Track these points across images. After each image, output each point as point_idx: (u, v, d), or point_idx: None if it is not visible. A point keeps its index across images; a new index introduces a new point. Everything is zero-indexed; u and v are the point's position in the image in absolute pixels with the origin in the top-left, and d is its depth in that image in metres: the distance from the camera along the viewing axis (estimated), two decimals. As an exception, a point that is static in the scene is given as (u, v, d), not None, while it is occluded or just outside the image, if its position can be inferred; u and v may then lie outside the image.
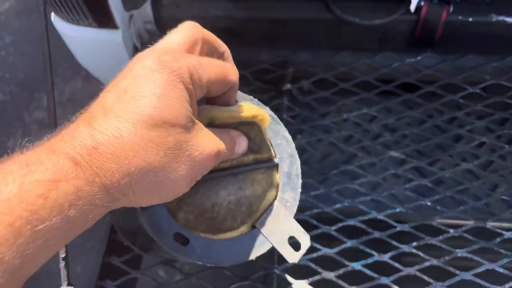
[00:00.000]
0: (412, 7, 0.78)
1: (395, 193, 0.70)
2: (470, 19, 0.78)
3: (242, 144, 0.41)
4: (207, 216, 0.41)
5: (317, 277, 0.59)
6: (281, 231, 0.44)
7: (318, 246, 0.61)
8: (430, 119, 0.77)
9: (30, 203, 0.27)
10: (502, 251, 0.62)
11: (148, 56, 0.34)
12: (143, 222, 0.39)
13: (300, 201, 0.65)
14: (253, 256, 0.43)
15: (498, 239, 0.63)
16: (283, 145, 0.46)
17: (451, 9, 0.77)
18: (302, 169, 0.59)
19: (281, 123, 0.47)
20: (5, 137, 1.64)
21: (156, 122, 0.32)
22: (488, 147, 0.77)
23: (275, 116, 0.46)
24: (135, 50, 0.80)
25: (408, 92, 0.78)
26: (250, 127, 0.43)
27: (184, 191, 0.36)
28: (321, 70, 0.79)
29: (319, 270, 0.59)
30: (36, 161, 0.29)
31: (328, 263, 0.60)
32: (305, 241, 0.44)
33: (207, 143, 0.36)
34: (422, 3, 0.77)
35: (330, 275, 0.59)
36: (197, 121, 0.36)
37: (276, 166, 0.46)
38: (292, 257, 0.44)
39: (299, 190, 0.46)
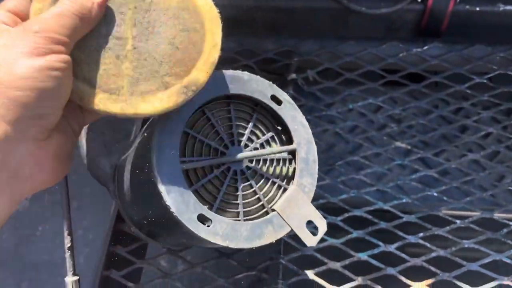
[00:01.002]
0: (419, -4, 0.77)
1: (401, 184, 0.69)
2: (477, 9, 0.78)
3: None
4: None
5: (323, 268, 0.59)
6: (300, 215, 0.44)
7: (324, 237, 0.61)
8: (436, 110, 0.77)
9: None
10: (510, 241, 0.61)
11: None
12: (168, 203, 0.39)
13: (306, 191, 0.65)
14: (273, 238, 0.43)
15: (505, 230, 0.63)
16: (300, 131, 0.47)
17: (459, -1, 0.76)
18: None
19: (298, 109, 0.47)
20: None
21: None
22: (494, 138, 0.76)
23: (292, 101, 0.47)
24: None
25: (414, 82, 0.78)
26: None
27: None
28: (326, 60, 0.78)
29: (325, 260, 0.59)
30: None
31: (334, 253, 0.60)
32: (322, 225, 0.45)
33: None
34: (430, -7, 0.77)
35: (336, 265, 0.59)
36: None
37: (294, 152, 0.46)
38: (311, 241, 0.44)
39: (316, 175, 0.47)
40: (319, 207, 0.63)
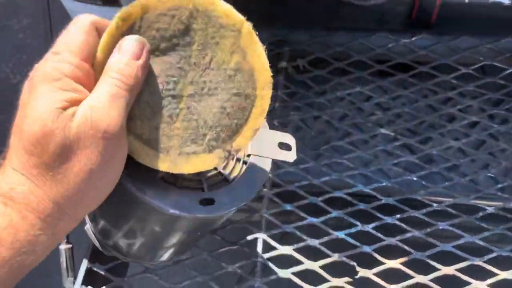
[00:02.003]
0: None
1: (383, 169, 0.72)
2: (466, 1, 0.79)
3: (127, 49, 0.36)
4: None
5: (302, 244, 0.62)
6: (269, 143, 0.46)
7: (305, 215, 0.64)
8: (423, 99, 0.79)
9: None
10: (484, 225, 0.64)
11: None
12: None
13: (289, 173, 0.69)
14: (265, 179, 0.45)
15: (480, 214, 0.65)
16: None
17: (447, -10, 0.78)
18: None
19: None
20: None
21: (32, 143, 0.33)
22: (480, 127, 0.78)
23: None
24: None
25: (402, 72, 0.80)
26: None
27: (115, 171, 0.36)
28: (317, 49, 0.81)
29: (304, 237, 0.62)
30: None
31: (313, 231, 0.63)
32: (291, 139, 0.47)
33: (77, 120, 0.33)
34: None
35: (314, 242, 0.62)
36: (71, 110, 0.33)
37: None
38: (291, 156, 0.46)
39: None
40: (301, 188, 0.67)
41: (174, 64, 0.38)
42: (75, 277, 0.58)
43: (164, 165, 0.39)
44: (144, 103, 0.38)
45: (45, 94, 0.33)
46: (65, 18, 0.84)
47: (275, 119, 0.75)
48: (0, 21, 1.94)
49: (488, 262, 0.60)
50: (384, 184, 0.69)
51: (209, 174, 0.45)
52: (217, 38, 0.39)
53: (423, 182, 0.70)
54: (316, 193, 0.66)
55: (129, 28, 0.37)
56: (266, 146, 0.46)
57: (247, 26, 0.39)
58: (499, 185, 0.70)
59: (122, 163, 0.37)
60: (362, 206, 0.65)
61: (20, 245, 0.32)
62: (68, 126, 0.33)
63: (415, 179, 0.70)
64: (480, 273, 0.60)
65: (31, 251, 0.33)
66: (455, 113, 0.78)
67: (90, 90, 0.35)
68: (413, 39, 0.80)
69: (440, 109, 0.79)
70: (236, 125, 0.40)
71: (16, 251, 0.32)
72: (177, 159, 0.39)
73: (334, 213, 0.65)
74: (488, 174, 0.72)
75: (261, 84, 0.41)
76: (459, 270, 0.60)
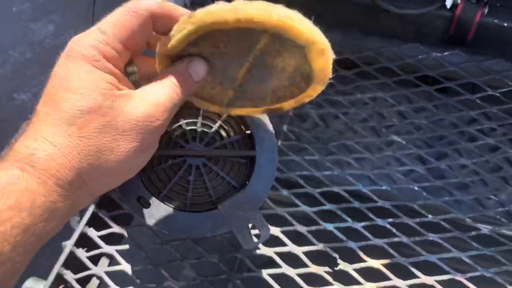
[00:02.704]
0: (448, 3, 0.79)
1: (386, 173, 0.73)
2: (505, 24, 0.79)
3: (198, 71, 0.40)
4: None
5: (290, 228, 0.65)
6: (243, 218, 0.47)
7: (299, 203, 0.67)
8: (446, 114, 0.79)
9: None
10: (474, 243, 0.64)
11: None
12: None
13: (293, 161, 0.71)
14: (209, 233, 0.47)
15: (473, 233, 0.65)
16: (265, 139, 0.50)
17: (486, 11, 0.78)
18: (307, 138, 0.64)
19: (268, 117, 0.51)
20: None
21: (72, 117, 0.34)
22: (500, 152, 0.77)
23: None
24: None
25: (429, 85, 0.80)
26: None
27: (141, 161, 0.39)
28: (348, 51, 0.83)
29: (294, 222, 0.65)
30: None
31: (303, 219, 0.66)
32: (265, 233, 0.48)
33: (133, 108, 0.36)
34: (459, 1, 0.79)
35: (303, 229, 0.65)
36: (120, 89, 0.36)
37: (253, 158, 0.50)
38: (247, 244, 0.47)
39: (271, 183, 0.49)
40: (301, 177, 0.70)
41: (237, 58, 0.41)
42: (81, 218, 0.64)
43: (215, 108, 0.46)
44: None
45: (88, 71, 0.35)
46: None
47: (292, 110, 0.78)
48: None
49: (470, 279, 0.61)
50: (384, 188, 0.70)
51: (198, 193, 0.49)
52: (282, 51, 0.40)
53: (424, 193, 0.70)
54: (314, 185, 0.69)
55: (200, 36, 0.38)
56: (238, 217, 0.46)
57: (320, 47, 0.41)
58: (501, 209, 0.69)
59: (151, 155, 0.40)
60: (356, 204, 0.67)
61: (41, 211, 0.33)
62: (119, 108, 0.35)
63: (416, 188, 0.71)
64: (458, 289, 0.60)
65: (51, 217, 0.34)
66: (476, 134, 0.77)
67: (120, 71, 0.38)
68: (445, 54, 0.80)
69: (461, 127, 0.79)
70: (283, 100, 0.46)
71: (36, 217, 0.32)
72: (227, 109, 0.46)
73: (328, 206, 0.67)
74: (496, 198, 0.72)
75: (317, 80, 0.43)
76: (438, 281, 0.61)
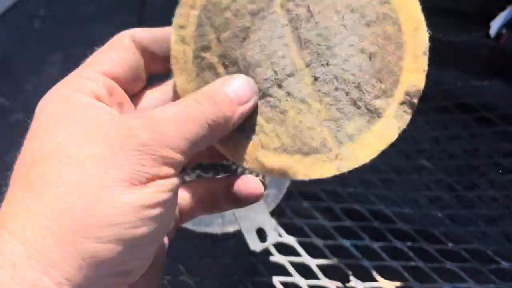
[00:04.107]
0: (492, 32, 0.79)
1: (411, 197, 0.73)
2: (551, 57, 0.77)
3: (241, 88, 0.27)
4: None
5: (306, 239, 0.66)
6: (253, 219, 0.47)
7: (318, 215, 0.68)
8: (481, 145, 0.78)
9: None
10: (492, 276, 0.63)
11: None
12: None
13: (317, 175, 0.72)
14: (219, 230, 0.47)
15: (493, 266, 0.64)
16: None
17: (532, 42, 0.76)
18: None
19: None
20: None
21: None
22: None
23: None
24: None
25: (467, 113, 0.80)
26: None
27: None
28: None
29: (311, 234, 0.66)
30: None
31: (321, 232, 0.67)
32: (273, 236, 0.48)
33: None
34: (504, 31, 0.78)
35: (319, 242, 0.66)
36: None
37: None
38: (255, 245, 0.47)
39: (284, 190, 0.49)
40: (324, 191, 0.71)
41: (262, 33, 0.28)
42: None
43: (331, 167, 0.30)
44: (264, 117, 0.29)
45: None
46: None
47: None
48: None
49: (484, 313, 0.60)
50: (406, 211, 0.70)
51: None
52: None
53: (448, 221, 0.70)
54: (336, 200, 0.70)
55: (197, 26, 0.29)
56: (248, 218, 0.47)
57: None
58: (527, 246, 0.67)
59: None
60: (376, 224, 0.68)
61: None
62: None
63: (439, 215, 0.70)
64: (469, 320, 0.59)
65: None
66: (511, 167, 0.76)
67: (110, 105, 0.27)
68: (485, 83, 0.79)
69: (495, 158, 0.77)
70: (391, 62, 0.29)
71: None
72: (343, 150, 0.29)
73: (347, 222, 0.68)
74: (521, 233, 0.70)
75: (412, 25, 0.28)
76: (451, 311, 0.60)
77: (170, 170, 0.24)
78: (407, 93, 0.29)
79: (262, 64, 0.28)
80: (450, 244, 0.66)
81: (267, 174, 0.29)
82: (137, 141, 0.23)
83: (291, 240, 0.65)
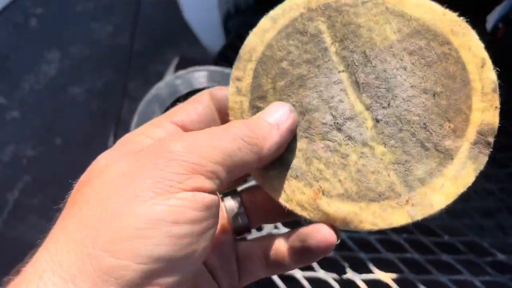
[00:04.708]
0: (489, 27, 0.79)
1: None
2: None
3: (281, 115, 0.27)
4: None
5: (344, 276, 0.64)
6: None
7: (354, 247, 0.65)
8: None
9: None
10: (488, 268, 0.63)
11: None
12: None
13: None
14: None
15: (489, 258, 0.64)
16: None
17: (528, 35, 0.77)
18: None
19: None
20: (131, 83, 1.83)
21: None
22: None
23: None
24: (227, 16, 0.92)
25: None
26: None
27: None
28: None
29: (348, 269, 0.64)
30: None
31: (356, 265, 0.64)
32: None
33: None
34: (500, 25, 0.78)
35: (355, 276, 0.63)
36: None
37: None
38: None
39: None
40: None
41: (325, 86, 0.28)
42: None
43: (402, 214, 0.27)
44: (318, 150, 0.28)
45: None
46: None
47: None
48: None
49: (479, 304, 0.60)
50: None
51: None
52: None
53: (443, 213, 0.69)
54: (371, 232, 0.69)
55: (253, 78, 0.29)
56: None
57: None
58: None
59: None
60: (415, 255, 0.67)
61: None
62: None
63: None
64: (465, 312, 0.59)
65: None
66: (506, 161, 0.76)
67: None
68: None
69: (492, 153, 0.77)
70: (458, 100, 0.27)
71: None
72: (414, 195, 0.27)
73: (384, 254, 0.67)
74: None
75: (476, 63, 0.28)
76: (446, 302, 0.60)
77: (201, 181, 0.23)
78: (480, 132, 0.28)
79: (320, 109, 0.27)
80: (446, 237, 0.66)
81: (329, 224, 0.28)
82: (166, 149, 0.23)
83: (325, 275, 0.65)
